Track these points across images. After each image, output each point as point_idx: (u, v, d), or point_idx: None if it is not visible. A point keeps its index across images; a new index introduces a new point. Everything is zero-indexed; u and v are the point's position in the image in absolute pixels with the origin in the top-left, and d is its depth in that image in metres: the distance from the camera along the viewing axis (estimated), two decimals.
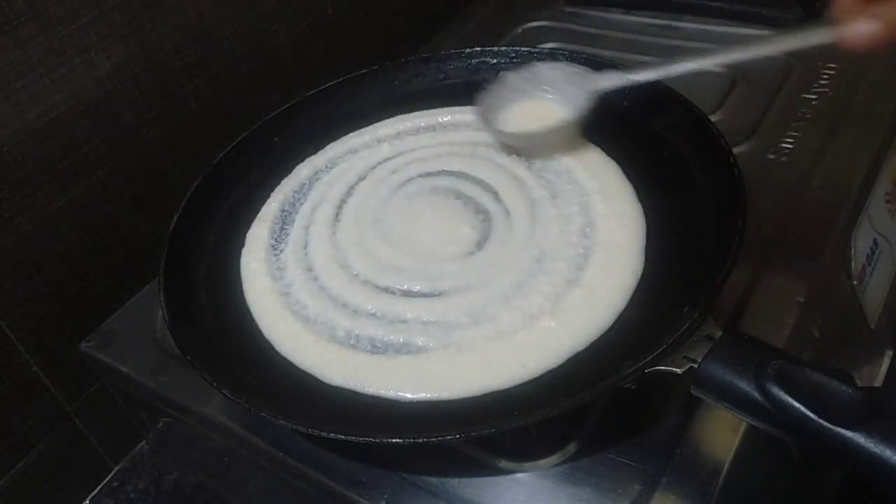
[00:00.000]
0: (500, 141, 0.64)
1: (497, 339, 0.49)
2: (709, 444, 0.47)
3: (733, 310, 0.54)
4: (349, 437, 0.43)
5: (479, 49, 0.72)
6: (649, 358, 0.42)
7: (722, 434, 0.47)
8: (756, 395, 0.40)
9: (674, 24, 0.87)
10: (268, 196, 0.64)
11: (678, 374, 0.42)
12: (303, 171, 0.66)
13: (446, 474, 0.48)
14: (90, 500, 0.69)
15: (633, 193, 0.57)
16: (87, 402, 0.69)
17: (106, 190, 0.66)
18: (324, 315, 0.53)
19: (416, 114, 0.70)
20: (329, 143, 0.69)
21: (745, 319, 0.54)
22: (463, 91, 0.69)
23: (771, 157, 0.67)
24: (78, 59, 0.61)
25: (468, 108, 0.68)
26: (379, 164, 0.66)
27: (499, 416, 0.44)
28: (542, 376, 0.47)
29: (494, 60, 0.72)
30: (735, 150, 0.54)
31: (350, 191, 0.63)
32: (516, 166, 0.62)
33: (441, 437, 0.43)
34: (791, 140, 0.68)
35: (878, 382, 0.69)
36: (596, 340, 0.48)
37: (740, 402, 0.41)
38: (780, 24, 0.81)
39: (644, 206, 0.56)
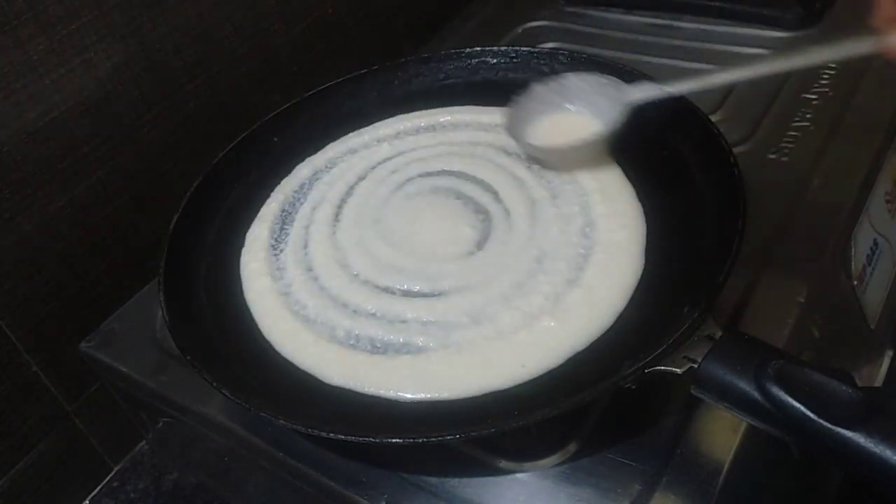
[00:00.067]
0: (529, 154, 0.62)
1: (497, 339, 0.49)
2: (709, 444, 0.47)
3: (733, 310, 0.54)
4: (349, 437, 0.43)
5: (478, 49, 0.72)
6: (649, 358, 0.42)
7: (722, 434, 0.47)
8: (756, 395, 0.40)
9: (674, 24, 0.86)
10: (268, 196, 0.64)
11: (678, 374, 0.42)
12: (303, 171, 0.66)
13: (446, 474, 0.48)
14: (90, 500, 0.69)
15: (633, 193, 0.57)
16: (87, 402, 0.69)
17: (106, 190, 0.66)
18: (324, 315, 0.53)
19: (416, 114, 0.70)
20: (329, 143, 0.69)
21: (745, 319, 0.54)
22: (463, 91, 0.69)
23: (771, 157, 0.67)
24: (78, 59, 0.62)
25: (468, 107, 0.68)
26: (379, 163, 0.66)
27: (499, 416, 0.44)
28: (542, 376, 0.47)
29: (494, 60, 0.72)
30: (735, 150, 0.54)
31: (350, 191, 0.63)
32: (516, 166, 0.62)
33: (441, 437, 0.43)
34: (791, 140, 0.68)
35: (878, 382, 0.69)
36: (596, 340, 0.48)
37: (740, 402, 0.41)
38: (780, 25, 0.81)
39: (644, 206, 0.56)
